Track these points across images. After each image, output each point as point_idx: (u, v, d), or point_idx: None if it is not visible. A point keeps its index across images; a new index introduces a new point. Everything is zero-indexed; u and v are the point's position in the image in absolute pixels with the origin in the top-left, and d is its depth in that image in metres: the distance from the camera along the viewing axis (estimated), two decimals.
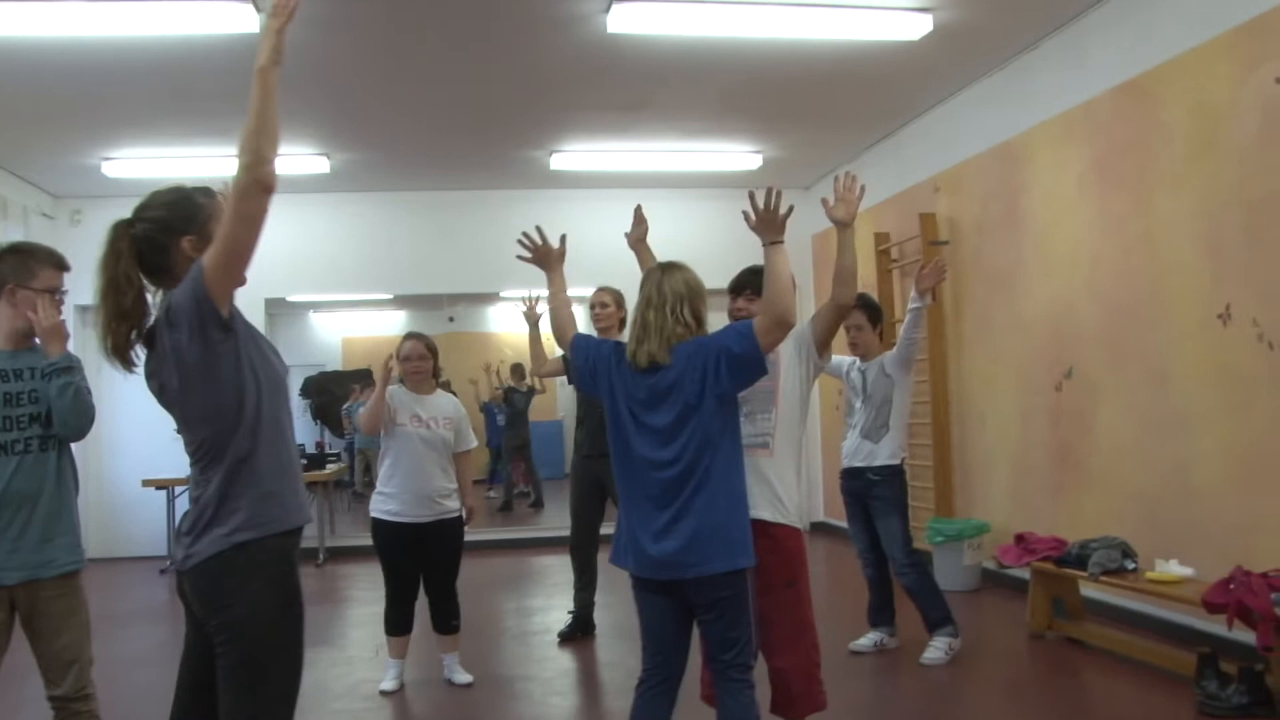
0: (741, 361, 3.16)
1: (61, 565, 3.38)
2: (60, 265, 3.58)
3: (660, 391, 3.20)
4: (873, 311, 5.52)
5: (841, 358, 5.72)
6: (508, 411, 12.90)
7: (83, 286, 9.30)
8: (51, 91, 6.79)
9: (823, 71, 6.89)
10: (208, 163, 8.52)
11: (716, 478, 3.16)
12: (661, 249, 9.26)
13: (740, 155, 9.09)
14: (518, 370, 12.50)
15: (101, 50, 5.93)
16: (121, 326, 2.51)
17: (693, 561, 3.12)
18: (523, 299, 5.91)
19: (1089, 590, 5.75)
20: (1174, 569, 4.94)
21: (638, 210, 4.20)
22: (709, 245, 9.88)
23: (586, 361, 3.42)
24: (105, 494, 9.84)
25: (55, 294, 3.52)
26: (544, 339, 5.69)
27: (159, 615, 7.46)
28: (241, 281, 2.47)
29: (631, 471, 3.25)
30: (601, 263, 10.44)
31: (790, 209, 3.25)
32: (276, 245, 9.73)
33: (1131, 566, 5.15)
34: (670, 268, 3.36)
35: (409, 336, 5.26)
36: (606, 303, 5.78)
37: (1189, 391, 5.25)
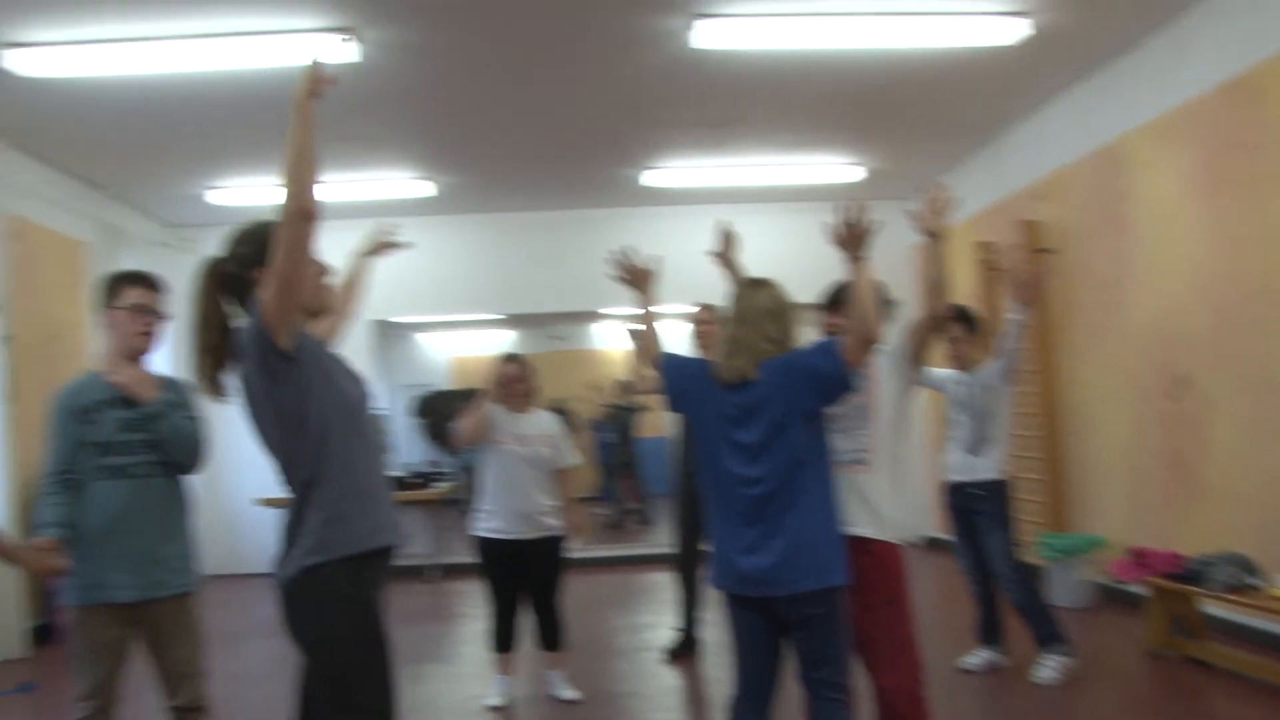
0: (827, 380, 3.17)
1: (173, 587, 3.52)
2: (147, 282, 3.61)
3: (749, 408, 3.21)
4: (971, 323, 5.43)
5: (943, 371, 5.64)
6: (614, 429, 12.99)
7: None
8: (161, 126, 7.08)
9: (919, 80, 6.81)
10: (320, 188, 8.80)
11: (807, 495, 3.16)
12: (760, 264, 9.30)
13: (839, 167, 9.01)
14: (624, 388, 12.57)
15: (206, 85, 6.17)
16: (205, 359, 2.63)
17: (785, 579, 3.13)
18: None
19: (1210, 607, 5.56)
20: None
21: (725, 229, 4.16)
22: (808, 259, 9.81)
23: (676, 380, 3.46)
24: (225, 512, 10.16)
25: (145, 310, 3.55)
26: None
27: (276, 631, 7.65)
28: (302, 310, 2.56)
29: (721, 488, 3.27)
30: (698, 279, 10.47)
31: (874, 223, 3.24)
32: (381, 268, 9.96)
33: (1255, 582, 4.96)
34: (759, 284, 3.39)
35: (506, 359, 5.33)
36: (708, 320, 5.76)
37: None
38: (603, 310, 11.02)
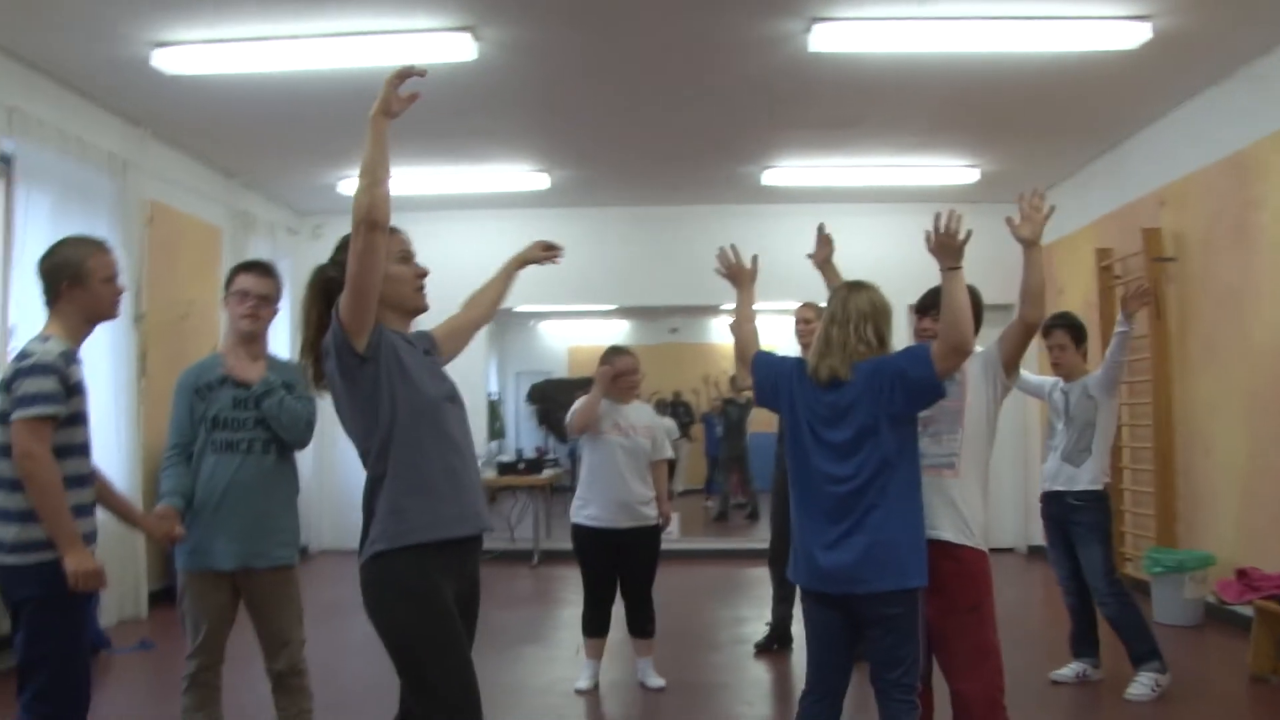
0: (916, 385, 3.21)
1: (273, 559, 3.73)
2: (256, 269, 3.81)
3: (840, 409, 3.27)
4: (1076, 331, 5.34)
5: (1044, 378, 5.59)
6: (724, 423, 13.07)
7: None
8: (293, 117, 7.42)
9: (1038, 84, 6.72)
10: (434, 179, 9.11)
11: (892, 497, 3.20)
12: (874, 265, 9.34)
13: (956, 170, 8.93)
14: (734, 383, 12.62)
15: (336, 81, 6.43)
16: (308, 356, 2.81)
17: (864, 577, 3.18)
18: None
19: None
20: None
21: (821, 231, 4.20)
22: (919, 262, 9.74)
23: (767, 377, 3.52)
24: (334, 489, 10.51)
25: (248, 295, 3.74)
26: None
27: None
28: (399, 310, 2.84)
29: (808, 485, 3.32)
30: (812, 277, 10.45)
31: (969, 234, 3.26)
32: (500, 257, 10.26)
33: None
34: (857, 286, 3.43)
35: (621, 351, 5.45)
36: (810, 319, 5.77)
37: None
38: (718, 305, 11.06)
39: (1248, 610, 5.65)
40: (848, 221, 9.98)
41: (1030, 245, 3.53)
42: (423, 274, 3.00)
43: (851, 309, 3.35)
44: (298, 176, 9.12)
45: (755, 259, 3.87)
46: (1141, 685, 5.02)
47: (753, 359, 3.59)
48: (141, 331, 7.26)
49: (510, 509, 10.50)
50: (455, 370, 10.17)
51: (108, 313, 3.27)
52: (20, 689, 3.03)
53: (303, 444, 3.78)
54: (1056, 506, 5.29)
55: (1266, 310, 6.21)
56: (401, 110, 2.71)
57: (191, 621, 3.71)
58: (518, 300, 10.63)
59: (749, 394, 11.69)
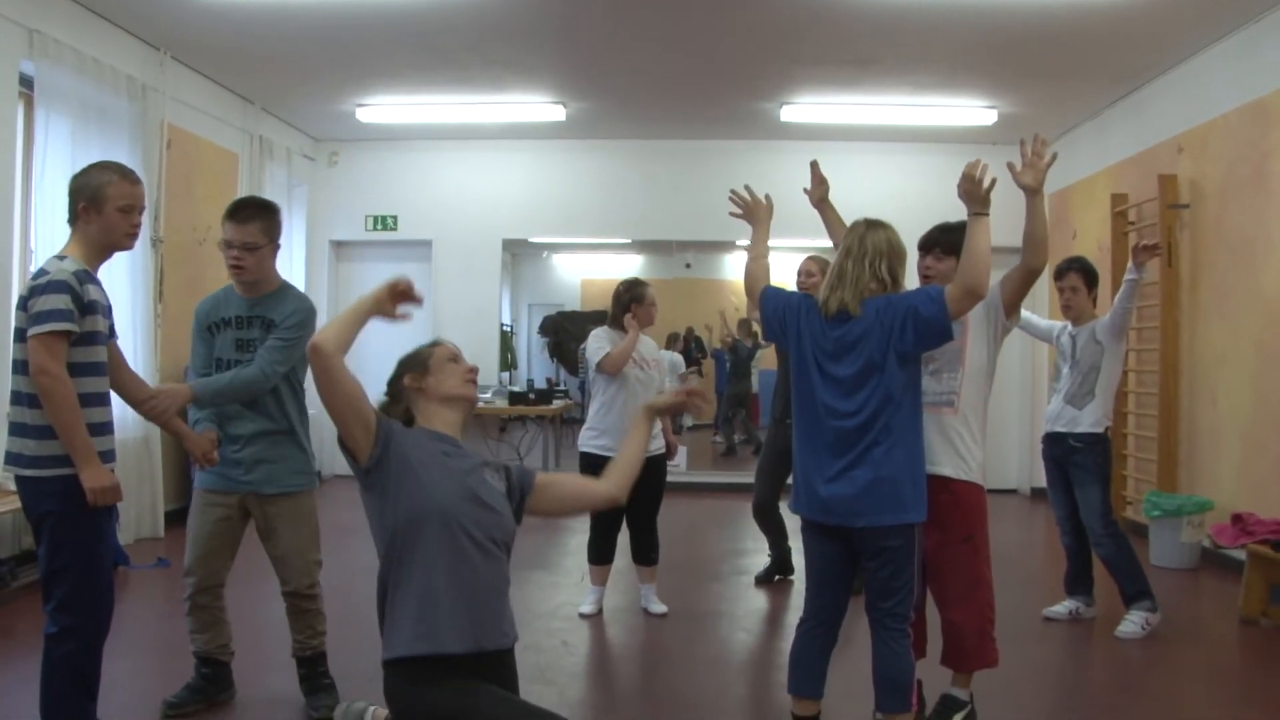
0: (927, 324, 3.24)
1: (283, 485, 3.85)
2: (234, 214, 3.75)
3: (847, 343, 3.32)
4: (1089, 275, 5.38)
5: (1052, 322, 5.65)
6: (732, 359, 13.15)
7: (334, 221, 10.12)
8: (314, 43, 7.44)
9: (1059, 26, 6.67)
10: (452, 109, 9.11)
11: (895, 433, 3.27)
12: (889, 204, 9.37)
13: (974, 111, 8.88)
14: (744, 326, 12.66)
15: (357, 6, 6.43)
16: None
17: (863, 510, 3.26)
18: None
19: None
20: None
21: (815, 168, 4.13)
22: (940, 201, 9.73)
23: (776, 310, 3.55)
24: None
25: (231, 247, 3.72)
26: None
27: None
28: (450, 403, 2.85)
29: (812, 418, 3.39)
30: (816, 216, 10.42)
31: (994, 181, 3.30)
32: (515, 189, 10.43)
33: None
34: (875, 225, 3.44)
35: (644, 284, 5.48)
36: (813, 271, 5.74)
37: None
38: (732, 241, 11.09)
39: (1241, 554, 5.75)
40: (865, 160, 10.11)
41: (1033, 193, 3.53)
42: (473, 370, 2.93)
43: (869, 244, 3.36)
44: (316, 103, 9.12)
45: (768, 197, 3.88)
46: (1131, 624, 5.13)
47: (761, 292, 3.62)
48: (159, 255, 7.35)
49: (520, 438, 10.63)
50: (468, 300, 10.29)
51: (119, 243, 3.27)
52: (46, 599, 3.13)
53: (262, 392, 3.78)
54: (1057, 448, 5.37)
55: (1279, 259, 6.22)
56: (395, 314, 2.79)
57: (190, 538, 3.86)
58: (530, 231, 10.76)
59: (759, 330, 11.78)
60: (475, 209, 10.44)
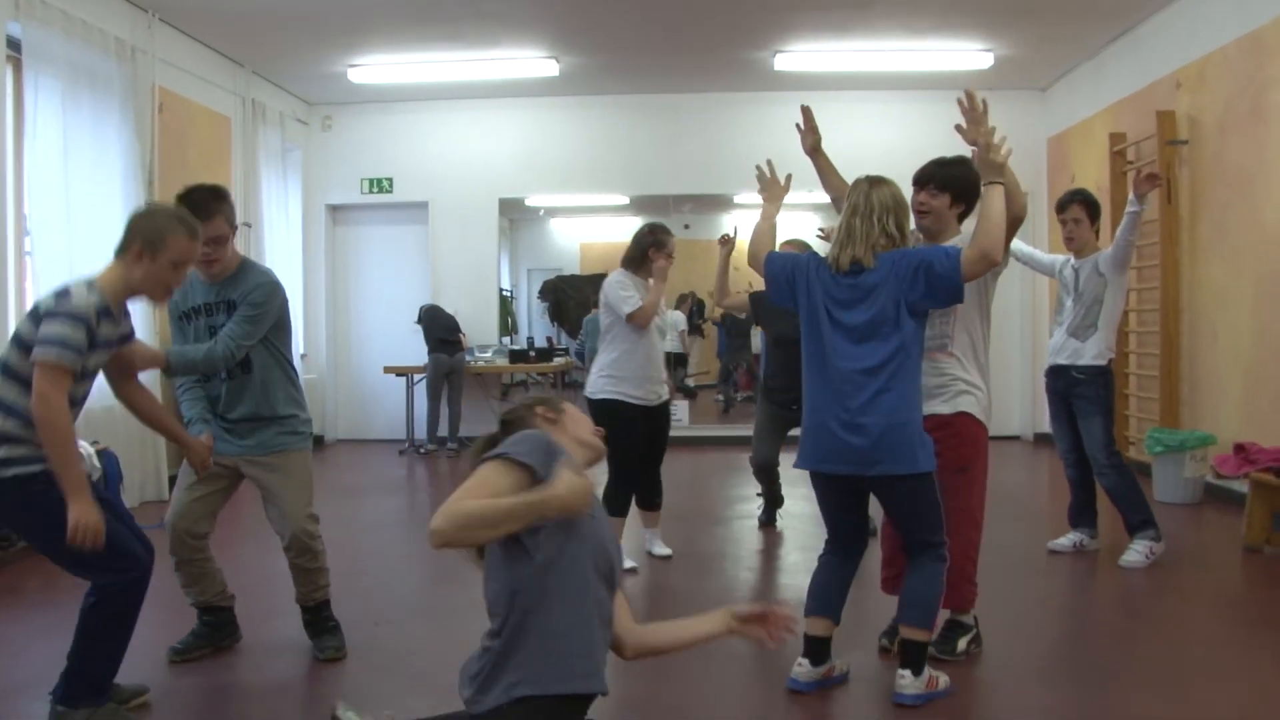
0: (940, 280, 3.27)
1: (271, 446, 3.86)
2: (192, 213, 3.44)
3: (862, 290, 3.34)
4: (1091, 207, 5.36)
5: (1055, 256, 5.63)
6: (729, 325, 13.17)
7: (329, 185, 10.07)
8: (302, 1, 7.37)
9: None
10: (444, 67, 9.05)
11: (904, 381, 3.31)
12: (887, 152, 9.37)
13: (970, 54, 8.79)
14: (705, 311, 12.66)
15: None
16: None
17: (878, 459, 3.28)
18: (724, 236, 5.82)
19: None
20: None
21: (806, 114, 4.06)
22: (936, 148, 9.68)
23: (784, 269, 3.56)
24: (353, 382, 10.74)
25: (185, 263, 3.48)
26: (731, 273, 5.86)
27: (393, 488, 8.19)
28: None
29: (822, 368, 3.40)
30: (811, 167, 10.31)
31: (1009, 151, 3.38)
32: (510, 147, 10.38)
33: None
34: (878, 181, 3.46)
35: (669, 232, 5.37)
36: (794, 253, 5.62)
37: None
38: (730, 195, 11.04)
39: (1244, 487, 5.74)
40: (861, 109, 10.05)
41: (982, 149, 3.44)
42: (596, 449, 2.69)
43: (875, 201, 3.38)
44: (307, 64, 9.06)
45: (788, 178, 3.94)
46: (1136, 553, 5.14)
47: (766, 256, 3.65)
48: None
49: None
50: (466, 260, 10.30)
51: (156, 294, 3.20)
52: (82, 578, 3.15)
53: (229, 366, 3.75)
54: (1061, 380, 5.36)
55: (1277, 191, 6.18)
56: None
57: (176, 489, 3.89)
58: (522, 190, 10.71)
59: (712, 314, 11.73)
60: (471, 169, 10.40)
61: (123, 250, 3.11)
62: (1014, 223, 3.62)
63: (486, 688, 2.33)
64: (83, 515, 2.96)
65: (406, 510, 7.38)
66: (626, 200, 11.90)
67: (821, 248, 4.34)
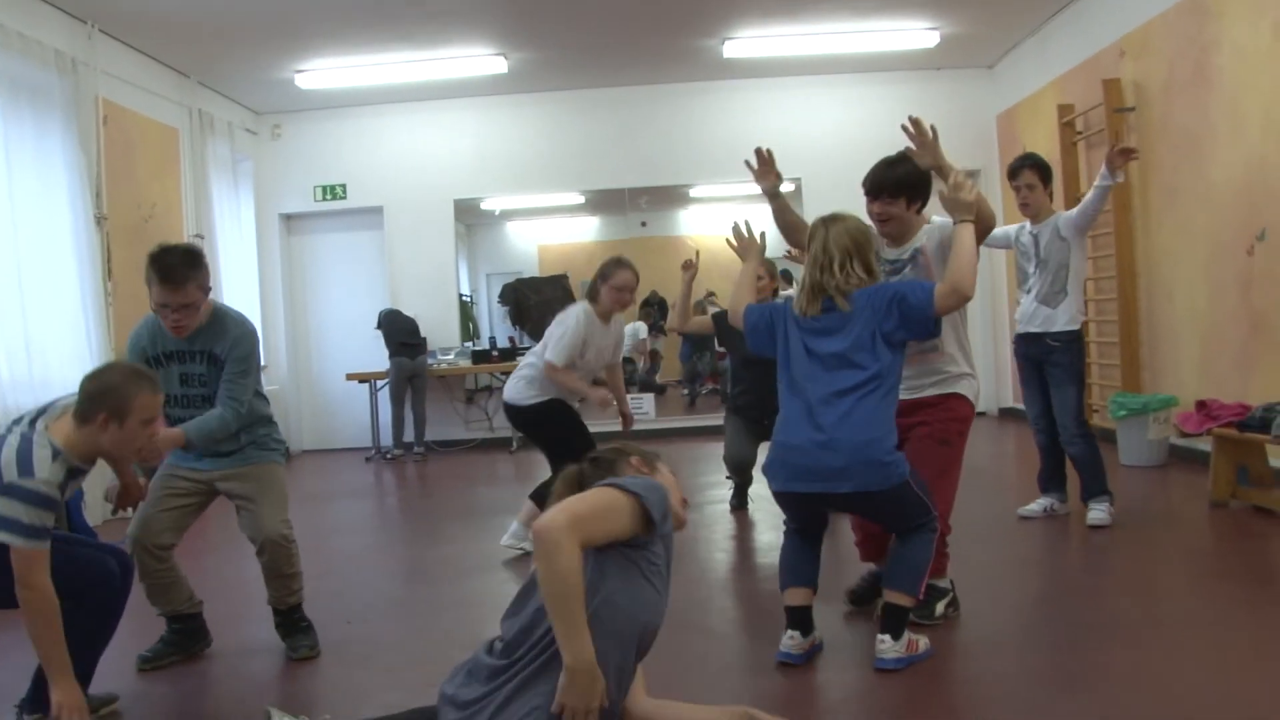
0: (912, 310, 3.31)
1: (246, 459, 3.82)
2: (166, 278, 3.54)
3: (837, 322, 3.37)
4: (1043, 170, 5.36)
5: (1007, 227, 5.63)
6: (693, 340, 13.16)
7: (281, 195, 9.95)
8: (244, 7, 7.29)
9: None
10: (392, 69, 8.98)
11: (876, 402, 3.30)
12: (838, 138, 9.33)
13: (917, 33, 8.84)
14: (697, 307, 12.60)
15: None
16: None
17: (848, 476, 3.26)
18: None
19: (1278, 461, 5.55)
20: None
21: (761, 157, 3.94)
22: (886, 132, 9.75)
23: (761, 317, 3.58)
24: (315, 392, 10.65)
25: (168, 310, 3.58)
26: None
27: (361, 494, 8.11)
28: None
29: (797, 393, 3.41)
30: (775, 153, 10.34)
31: (975, 188, 3.46)
32: (463, 148, 10.34)
33: None
34: (832, 220, 3.48)
35: (620, 264, 5.33)
36: (760, 275, 5.41)
37: None
38: (686, 185, 11.01)
39: (1208, 446, 5.79)
40: (810, 94, 10.10)
41: (939, 171, 3.52)
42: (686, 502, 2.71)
43: (834, 248, 3.40)
44: (253, 71, 8.96)
45: (763, 236, 3.96)
46: (1099, 511, 5.18)
47: (745, 309, 3.66)
48: (104, 233, 7.20)
49: (486, 401, 10.59)
50: (424, 264, 10.29)
51: (129, 456, 3.15)
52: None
53: (234, 430, 3.76)
54: (1034, 347, 5.36)
55: (1224, 151, 6.26)
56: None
57: (146, 503, 3.76)
58: (477, 190, 10.64)
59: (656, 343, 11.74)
60: (425, 172, 10.34)
61: (86, 418, 2.98)
62: (985, 232, 3.67)
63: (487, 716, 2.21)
64: (67, 697, 2.89)
65: (376, 514, 7.30)
66: (582, 199, 11.89)
67: (791, 267, 4.32)
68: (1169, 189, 6.92)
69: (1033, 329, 5.37)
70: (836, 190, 9.49)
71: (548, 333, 5.34)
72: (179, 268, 3.56)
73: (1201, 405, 5.74)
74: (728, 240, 4.02)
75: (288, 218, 10.54)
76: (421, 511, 7.31)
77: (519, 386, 5.37)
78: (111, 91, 7.52)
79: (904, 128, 3.59)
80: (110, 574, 3.13)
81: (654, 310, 14.98)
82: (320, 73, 9.01)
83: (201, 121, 8.88)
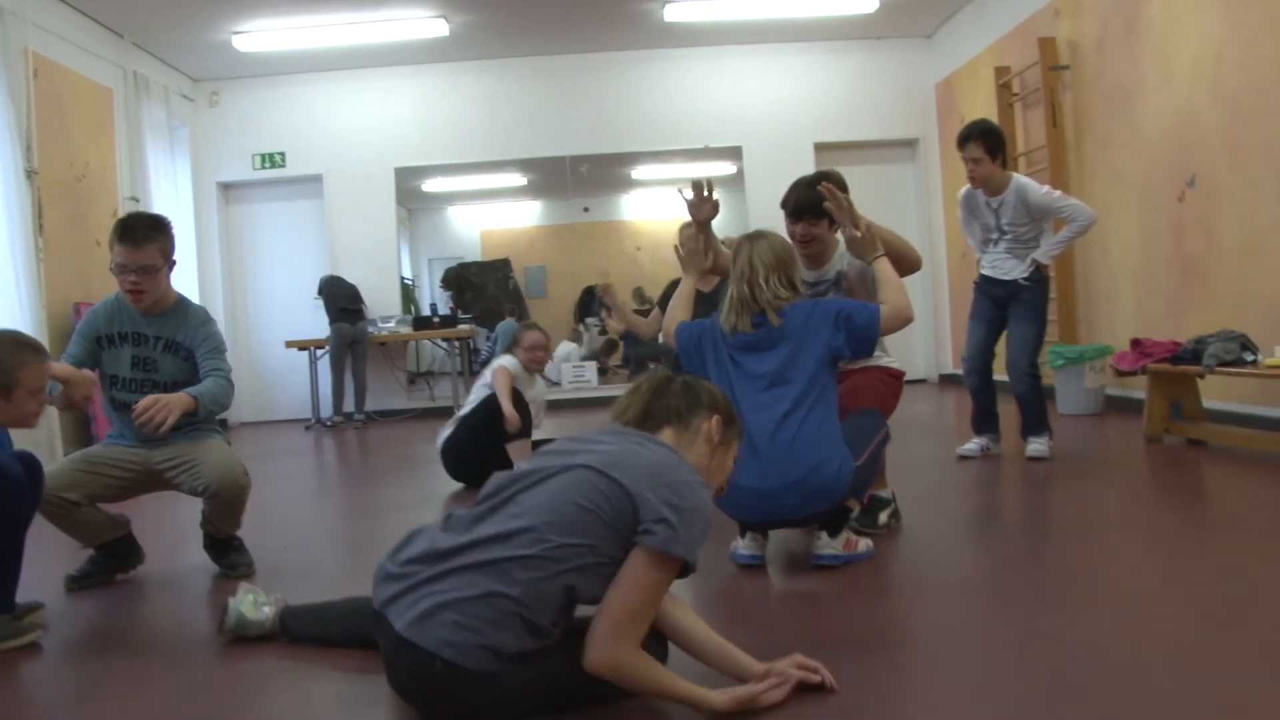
0: (859, 331, 3.31)
1: (181, 438, 3.63)
2: (127, 236, 3.53)
3: (769, 338, 3.33)
4: (991, 139, 5.17)
5: (961, 200, 5.50)
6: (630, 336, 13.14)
7: (219, 163, 9.79)
8: None
9: None
10: (331, 31, 8.88)
11: (818, 422, 3.24)
12: (778, 105, 9.29)
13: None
14: (638, 294, 12.58)
15: None
16: None
17: (801, 508, 3.22)
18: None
19: (1211, 401, 5.65)
20: None
21: (696, 187, 3.85)
22: (827, 102, 9.86)
23: (691, 338, 3.53)
24: (255, 363, 10.48)
25: (128, 271, 3.53)
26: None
27: (300, 452, 8.01)
28: None
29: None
30: (715, 122, 10.45)
31: (868, 224, 3.52)
32: (404, 116, 10.26)
33: (1251, 358, 5.01)
34: (756, 237, 3.47)
35: (529, 328, 5.75)
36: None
37: None
38: (626, 153, 10.94)
39: (1143, 394, 5.86)
40: (751, 64, 10.16)
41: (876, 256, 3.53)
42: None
43: (758, 264, 3.38)
44: (189, 33, 8.81)
45: (717, 205, 3.86)
46: (1039, 445, 5.24)
47: (676, 329, 3.62)
48: (35, 188, 7.04)
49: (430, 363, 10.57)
50: (366, 239, 10.20)
51: (26, 423, 3.03)
52: None
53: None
54: (1002, 289, 5.32)
55: (1155, 101, 6.37)
56: None
57: (80, 461, 3.64)
58: (418, 158, 10.53)
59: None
60: (365, 139, 10.25)
61: None
62: (913, 269, 3.73)
63: (422, 620, 2.01)
64: None
65: (314, 469, 7.20)
66: (524, 181, 11.84)
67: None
68: (1102, 143, 7.04)
69: (1002, 277, 5.32)
70: (776, 159, 9.64)
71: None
72: (141, 228, 3.56)
73: (1136, 343, 5.83)
74: (679, 190, 3.91)
75: (226, 186, 10.39)
76: (362, 464, 7.24)
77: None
78: (42, 45, 7.37)
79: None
80: (11, 477, 2.99)
81: (596, 306, 14.97)
82: (259, 34, 8.88)
83: (137, 84, 8.71)
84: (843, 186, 3.70)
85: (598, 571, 2.05)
